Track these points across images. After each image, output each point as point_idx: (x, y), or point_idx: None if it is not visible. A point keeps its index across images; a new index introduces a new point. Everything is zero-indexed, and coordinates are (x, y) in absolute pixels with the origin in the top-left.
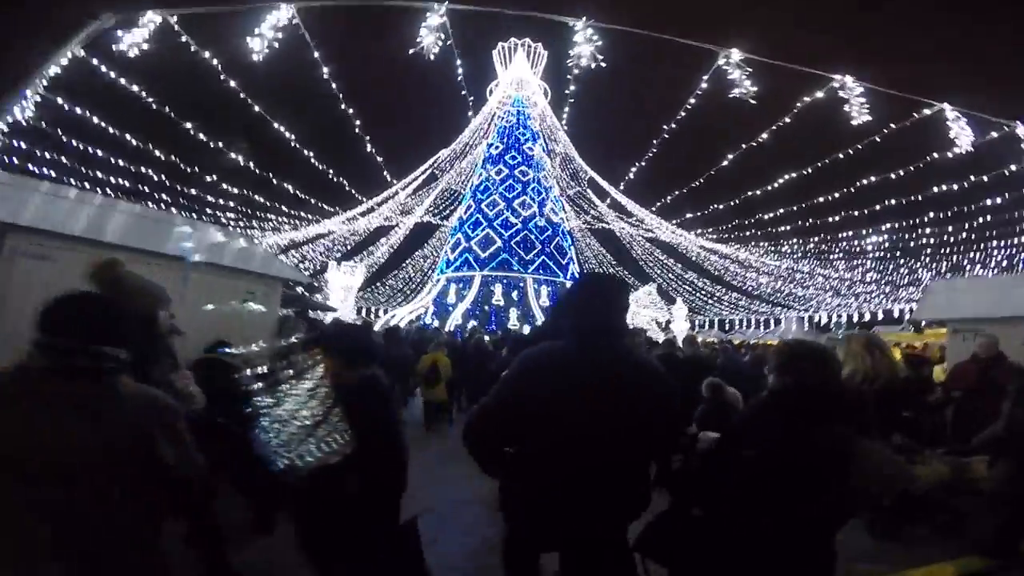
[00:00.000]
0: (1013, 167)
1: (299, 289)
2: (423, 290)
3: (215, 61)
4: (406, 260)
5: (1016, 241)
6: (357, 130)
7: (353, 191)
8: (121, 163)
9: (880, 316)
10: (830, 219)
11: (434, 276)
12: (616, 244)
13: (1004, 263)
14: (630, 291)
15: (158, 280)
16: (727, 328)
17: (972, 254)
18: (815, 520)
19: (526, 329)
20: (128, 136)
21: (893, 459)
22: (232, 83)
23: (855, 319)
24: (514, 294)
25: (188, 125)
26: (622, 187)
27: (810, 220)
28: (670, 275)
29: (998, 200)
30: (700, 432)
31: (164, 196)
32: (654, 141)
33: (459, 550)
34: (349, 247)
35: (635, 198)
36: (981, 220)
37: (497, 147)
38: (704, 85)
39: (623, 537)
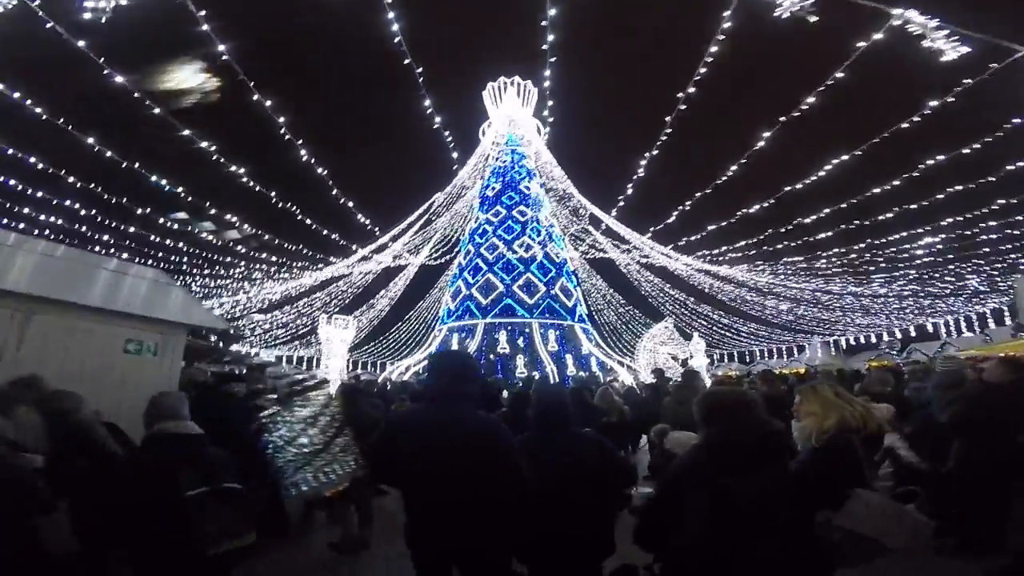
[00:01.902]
0: None
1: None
2: (427, 342)
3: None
4: (408, 312)
5: None
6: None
7: (338, 238)
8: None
9: (912, 333)
10: (880, 217)
11: (436, 327)
12: (622, 280)
13: None
14: (472, 364)
15: None
16: (747, 360)
17: None
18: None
19: (538, 376)
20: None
21: (896, 508)
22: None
23: (884, 338)
24: (520, 340)
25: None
26: (621, 203)
27: (855, 222)
28: (683, 309)
29: None
30: (633, 488)
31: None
32: (666, 119)
33: None
34: (346, 300)
35: (636, 219)
36: None
37: (493, 188)
38: (721, 37)
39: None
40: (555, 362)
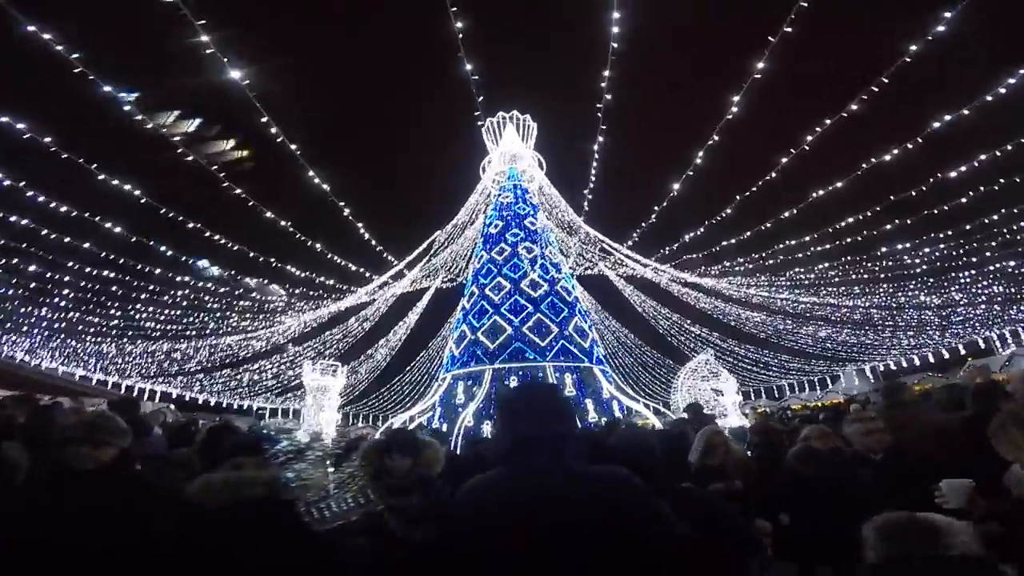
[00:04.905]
0: None
1: None
2: (429, 392)
3: None
4: (408, 363)
5: None
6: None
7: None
8: None
9: (961, 351)
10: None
11: (439, 376)
12: (638, 320)
13: None
14: (559, 396)
15: None
16: (777, 395)
17: None
18: None
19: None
20: None
21: None
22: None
23: (930, 360)
24: None
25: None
26: (641, 228)
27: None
28: (705, 345)
29: None
30: None
31: None
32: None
33: None
34: (342, 350)
35: (656, 250)
36: None
37: (496, 225)
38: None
39: None
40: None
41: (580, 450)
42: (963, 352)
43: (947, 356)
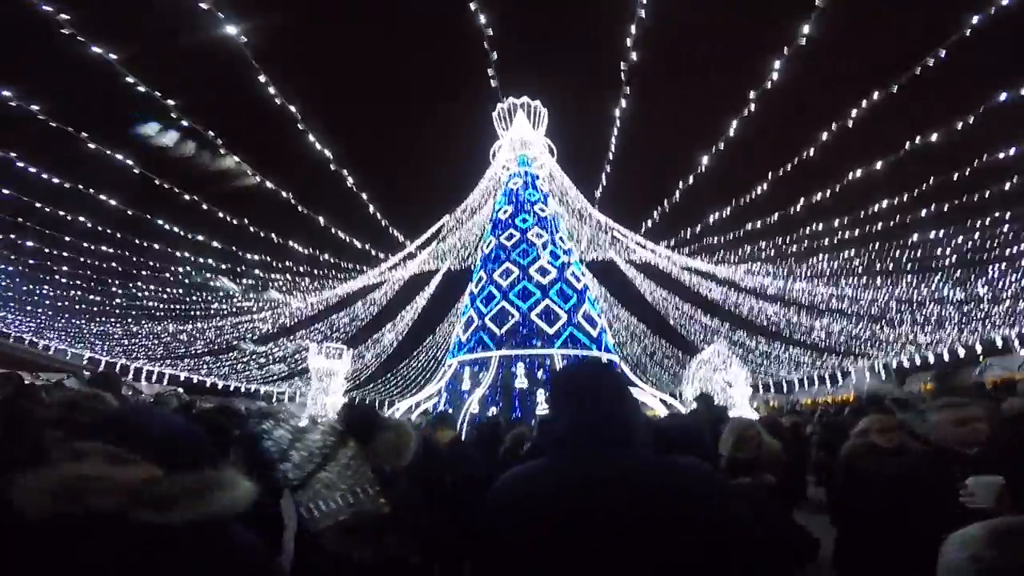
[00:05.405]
0: None
1: None
2: (435, 377)
3: None
4: (417, 347)
5: None
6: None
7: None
8: None
9: (978, 349)
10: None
11: (446, 361)
12: (648, 310)
13: None
14: (614, 376)
15: None
16: (785, 390)
17: None
18: None
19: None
20: None
21: None
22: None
23: (945, 358)
24: (540, 374)
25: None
26: (662, 210)
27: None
28: (715, 337)
29: None
30: None
31: None
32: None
33: None
34: (350, 333)
35: (669, 227)
36: None
37: (505, 210)
38: None
39: None
40: None
41: (646, 437)
42: (979, 350)
43: (963, 354)
